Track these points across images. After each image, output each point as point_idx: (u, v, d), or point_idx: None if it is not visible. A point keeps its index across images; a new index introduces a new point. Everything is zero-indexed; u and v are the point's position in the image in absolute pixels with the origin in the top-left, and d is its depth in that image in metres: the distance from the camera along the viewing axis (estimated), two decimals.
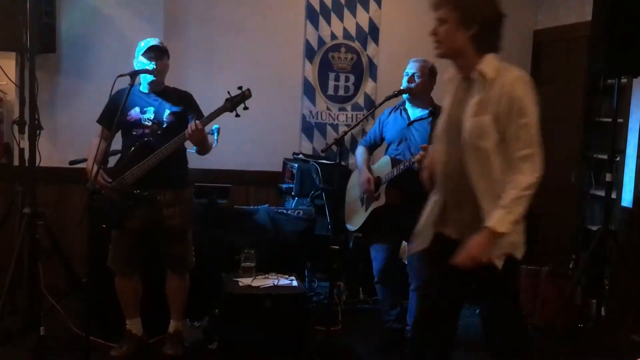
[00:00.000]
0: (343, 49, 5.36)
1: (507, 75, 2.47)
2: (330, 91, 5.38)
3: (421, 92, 3.96)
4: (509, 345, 2.68)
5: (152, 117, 3.64)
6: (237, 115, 3.47)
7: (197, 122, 3.47)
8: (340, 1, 5.30)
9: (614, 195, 4.53)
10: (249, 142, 5.08)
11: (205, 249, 4.03)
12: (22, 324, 4.00)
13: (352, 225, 4.19)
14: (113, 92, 3.35)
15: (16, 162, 4.32)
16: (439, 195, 2.69)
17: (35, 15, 4.00)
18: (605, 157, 4.52)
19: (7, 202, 4.40)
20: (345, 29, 5.35)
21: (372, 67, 5.39)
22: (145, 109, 3.66)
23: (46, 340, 3.74)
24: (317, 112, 5.37)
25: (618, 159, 4.58)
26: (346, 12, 5.33)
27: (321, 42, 5.32)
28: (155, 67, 3.59)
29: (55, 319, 3.96)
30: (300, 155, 5.11)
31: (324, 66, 5.34)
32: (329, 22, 5.31)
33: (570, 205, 5.15)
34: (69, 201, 4.78)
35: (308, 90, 5.35)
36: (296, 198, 4.85)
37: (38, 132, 4.08)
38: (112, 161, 3.73)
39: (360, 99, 5.41)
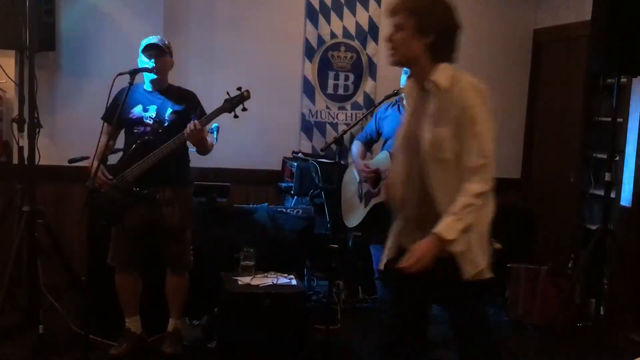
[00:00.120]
0: (343, 48, 5.36)
1: (459, 84, 2.41)
2: (330, 90, 5.38)
3: None
4: (472, 355, 2.62)
5: (153, 115, 3.65)
6: (236, 116, 3.47)
7: (196, 122, 3.47)
8: (340, 0, 5.30)
9: (613, 195, 4.54)
10: (249, 140, 5.08)
11: (204, 247, 4.02)
12: (21, 322, 4.00)
13: (351, 222, 4.19)
14: (117, 90, 3.36)
15: (15, 161, 4.32)
16: (401, 210, 2.62)
17: (35, 13, 4.00)
18: (604, 156, 4.52)
19: (7, 200, 4.40)
20: (345, 28, 5.35)
21: (372, 66, 5.39)
22: (147, 107, 3.67)
23: (45, 338, 3.75)
24: (317, 111, 5.37)
25: (617, 158, 4.59)
26: (346, 11, 5.33)
27: (321, 41, 5.32)
28: (154, 65, 3.60)
29: (55, 317, 3.96)
30: (300, 154, 5.11)
31: (323, 65, 5.34)
32: (328, 21, 5.31)
33: (570, 204, 5.16)
34: (69, 199, 4.78)
35: (307, 89, 5.35)
36: (295, 197, 4.85)
37: (37, 130, 4.07)
38: (117, 158, 3.74)
39: (359, 98, 5.41)
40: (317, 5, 5.27)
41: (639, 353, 2.15)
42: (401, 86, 3.98)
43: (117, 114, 3.44)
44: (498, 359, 2.83)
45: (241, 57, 5.14)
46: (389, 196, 2.74)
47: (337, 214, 4.33)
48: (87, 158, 3.67)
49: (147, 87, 3.71)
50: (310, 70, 5.33)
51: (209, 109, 3.58)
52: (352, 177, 4.20)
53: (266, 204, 4.64)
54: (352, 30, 5.35)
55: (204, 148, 3.66)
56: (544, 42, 5.58)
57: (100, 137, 3.67)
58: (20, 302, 4.13)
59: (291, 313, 3.71)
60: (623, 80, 4.40)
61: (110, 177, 3.54)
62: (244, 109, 3.47)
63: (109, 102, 3.58)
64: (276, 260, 4.08)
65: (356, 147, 4.19)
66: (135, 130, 3.65)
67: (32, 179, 4.08)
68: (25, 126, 4.10)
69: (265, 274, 3.90)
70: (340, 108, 5.40)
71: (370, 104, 5.26)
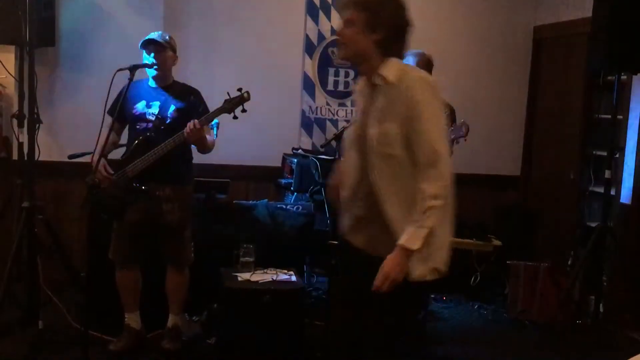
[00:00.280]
0: None
1: (407, 79, 2.36)
2: (330, 86, 5.38)
3: None
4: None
5: (156, 111, 3.64)
6: (235, 117, 3.45)
7: (196, 121, 3.46)
8: None
9: (613, 192, 4.54)
10: (249, 137, 5.07)
11: (204, 244, 4.02)
12: (20, 317, 4.00)
13: None
14: (117, 85, 3.35)
15: (15, 156, 4.31)
16: (349, 210, 2.57)
17: (35, 8, 3.99)
18: (604, 154, 4.52)
19: (6, 196, 4.40)
20: None
21: None
22: (151, 103, 3.66)
23: (45, 334, 3.76)
24: (317, 108, 5.36)
25: (617, 155, 4.59)
26: None
27: (321, 37, 5.32)
28: (154, 60, 3.59)
29: (54, 312, 3.97)
30: (300, 151, 5.10)
31: (323, 61, 5.34)
32: (329, 17, 5.30)
33: (570, 201, 5.16)
34: (68, 195, 4.77)
35: (308, 86, 5.34)
36: (295, 193, 4.84)
37: (37, 126, 4.06)
38: (120, 153, 3.74)
39: None
40: (317, 2, 5.26)
41: (638, 350, 2.14)
42: None
43: (117, 108, 3.44)
44: None
45: (241, 53, 5.13)
46: (333, 196, 2.69)
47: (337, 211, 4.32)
48: (87, 154, 3.67)
49: (152, 83, 3.71)
50: (311, 66, 5.32)
51: (209, 105, 3.57)
52: None
53: (266, 200, 4.64)
54: None
55: (203, 147, 3.65)
56: (544, 40, 5.57)
57: (100, 131, 3.64)
58: (19, 298, 4.12)
59: (291, 309, 3.71)
60: (623, 77, 4.40)
61: (112, 172, 3.55)
62: (244, 110, 3.45)
63: (115, 97, 3.57)
64: (276, 256, 4.08)
65: None
66: (137, 126, 3.65)
67: (31, 174, 4.07)
68: (25, 122, 4.09)
69: (265, 270, 3.89)
70: (340, 104, 5.40)
71: None
